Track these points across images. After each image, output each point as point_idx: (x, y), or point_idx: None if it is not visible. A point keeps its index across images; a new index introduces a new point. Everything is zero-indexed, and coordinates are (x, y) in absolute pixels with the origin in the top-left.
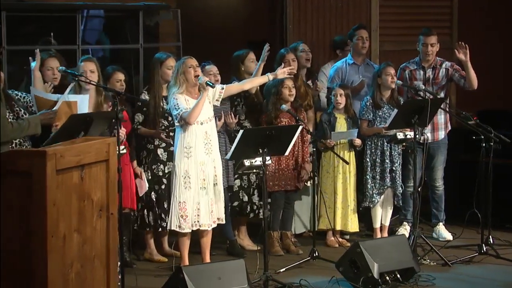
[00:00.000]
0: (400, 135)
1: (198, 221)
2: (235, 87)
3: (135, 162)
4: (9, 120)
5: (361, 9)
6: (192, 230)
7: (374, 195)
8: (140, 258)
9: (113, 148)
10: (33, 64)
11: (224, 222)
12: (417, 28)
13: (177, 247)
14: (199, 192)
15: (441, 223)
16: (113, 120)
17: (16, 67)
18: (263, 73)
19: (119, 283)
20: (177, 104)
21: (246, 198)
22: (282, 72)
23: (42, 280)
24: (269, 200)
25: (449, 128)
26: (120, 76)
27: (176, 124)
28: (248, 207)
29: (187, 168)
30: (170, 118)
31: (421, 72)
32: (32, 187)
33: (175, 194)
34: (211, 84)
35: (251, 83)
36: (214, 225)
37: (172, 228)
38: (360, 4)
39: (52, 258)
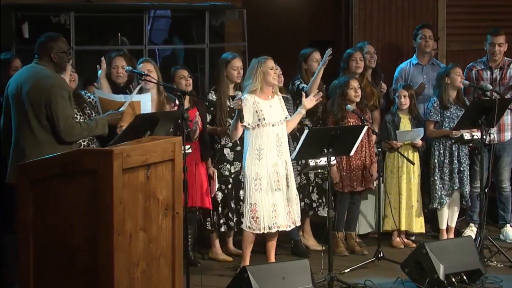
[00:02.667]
0: (467, 136)
1: (276, 222)
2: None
3: (209, 162)
4: (79, 120)
5: (427, 8)
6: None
7: (443, 196)
8: (205, 257)
9: (178, 147)
10: (99, 72)
11: (299, 224)
12: (484, 27)
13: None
14: (274, 194)
15: (508, 225)
16: (179, 120)
17: (85, 68)
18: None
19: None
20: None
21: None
22: (310, 101)
23: (108, 278)
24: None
25: None
26: (183, 72)
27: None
28: (307, 205)
29: (258, 170)
30: None
31: (488, 72)
32: (99, 185)
33: (246, 195)
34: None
35: (290, 125)
36: (293, 226)
37: (244, 229)
38: (426, 3)
39: (119, 256)
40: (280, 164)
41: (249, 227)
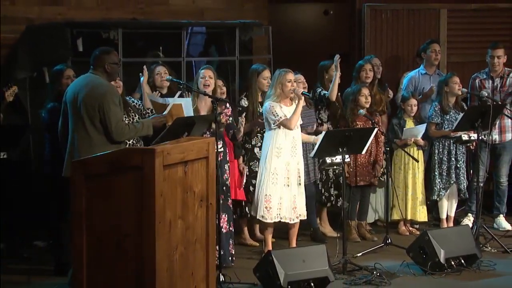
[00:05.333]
0: (465, 137)
1: (279, 214)
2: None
3: (240, 159)
4: (127, 122)
5: (430, 25)
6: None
7: (441, 189)
8: (235, 242)
9: (212, 147)
10: (142, 79)
11: (305, 218)
12: (481, 42)
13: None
14: (283, 188)
15: (501, 215)
16: (213, 123)
17: (130, 77)
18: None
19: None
20: (275, 111)
21: (323, 190)
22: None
23: (151, 260)
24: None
25: None
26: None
27: (272, 127)
28: (326, 198)
29: (276, 165)
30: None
31: (490, 81)
32: (143, 180)
33: (262, 187)
34: (308, 94)
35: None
36: (297, 220)
37: (257, 218)
38: (430, 21)
39: (160, 241)
40: (292, 164)
41: (262, 216)
